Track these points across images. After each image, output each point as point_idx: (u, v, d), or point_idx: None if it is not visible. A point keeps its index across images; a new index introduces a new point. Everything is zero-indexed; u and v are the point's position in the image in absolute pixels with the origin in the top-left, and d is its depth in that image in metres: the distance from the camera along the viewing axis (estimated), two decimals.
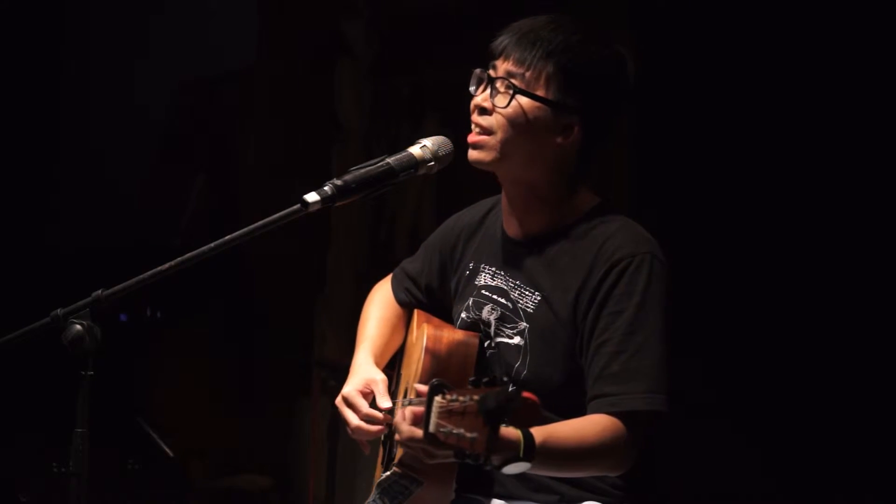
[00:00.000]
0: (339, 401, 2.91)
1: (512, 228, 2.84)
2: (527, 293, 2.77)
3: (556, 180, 2.77)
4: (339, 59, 5.53)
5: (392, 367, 3.09)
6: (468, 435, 2.11)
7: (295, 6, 5.60)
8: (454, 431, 2.14)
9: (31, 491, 4.55)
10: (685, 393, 2.78)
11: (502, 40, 2.75)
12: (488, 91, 2.74)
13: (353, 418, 2.85)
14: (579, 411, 2.62)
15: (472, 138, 2.75)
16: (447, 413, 2.18)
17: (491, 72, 2.76)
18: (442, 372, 2.72)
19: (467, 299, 2.89)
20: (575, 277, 2.70)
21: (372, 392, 2.88)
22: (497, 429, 2.09)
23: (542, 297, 2.74)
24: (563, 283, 2.72)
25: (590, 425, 2.57)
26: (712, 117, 4.27)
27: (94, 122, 5.73)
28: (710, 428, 4.16)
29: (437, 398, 2.23)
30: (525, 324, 2.75)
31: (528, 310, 2.75)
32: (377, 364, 2.98)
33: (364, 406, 2.85)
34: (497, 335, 2.79)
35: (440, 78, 2.81)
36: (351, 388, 2.88)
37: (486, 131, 2.73)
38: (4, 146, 5.49)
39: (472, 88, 2.78)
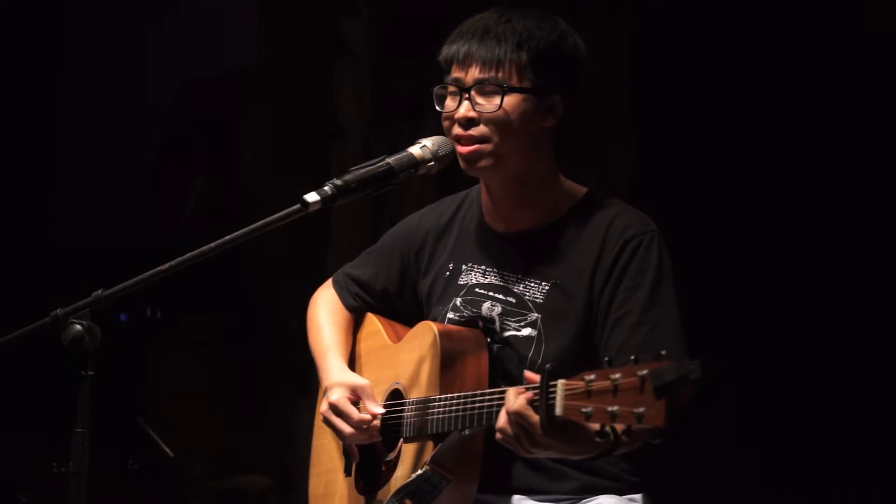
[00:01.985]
0: (325, 409, 2.89)
1: (501, 225, 2.85)
2: (533, 284, 2.78)
3: (545, 169, 2.80)
4: (339, 59, 5.52)
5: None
6: (635, 410, 2.13)
7: (295, 6, 5.59)
8: (608, 409, 2.16)
9: (31, 491, 4.55)
10: None
11: (458, 49, 2.76)
12: (466, 103, 2.74)
13: (345, 426, 2.85)
14: None
15: (465, 149, 2.75)
16: (585, 394, 2.22)
17: (450, 85, 2.76)
18: (457, 368, 2.74)
19: (452, 299, 2.88)
20: (586, 260, 2.74)
21: (359, 398, 2.88)
22: (674, 401, 2.11)
23: (553, 284, 2.76)
24: (574, 268, 2.75)
25: None
26: (712, 115, 4.27)
27: (94, 122, 5.73)
28: (712, 427, 4.16)
29: (563, 381, 2.29)
30: (536, 314, 2.76)
31: (538, 300, 2.76)
32: None
33: (355, 413, 2.84)
34: (504, 330, 2.79)
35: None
36: (338, 395, 2.87)
37: (479, 140, 2.74)
38: (4, 146, 5.49)
39: (438, 107, 2.78)
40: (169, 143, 5.96)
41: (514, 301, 2.80)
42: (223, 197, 5.80)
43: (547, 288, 2.76)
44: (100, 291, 2.53)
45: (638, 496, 2.78)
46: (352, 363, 3.08)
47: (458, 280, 2.90)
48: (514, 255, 2.83)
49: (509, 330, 2.79)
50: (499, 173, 2.79)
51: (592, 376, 2.23)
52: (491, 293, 2.83)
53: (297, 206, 2.55)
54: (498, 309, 2.81)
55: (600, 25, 2.84)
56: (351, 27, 5.51)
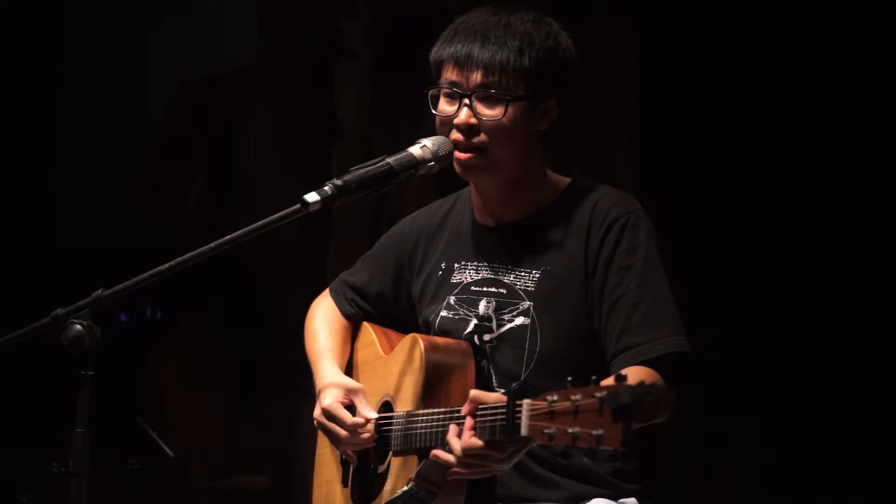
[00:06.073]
0: (318, 414, 2.87)
1: (490, 220, 2.86)
2: (523, 273, 2.78)
3: (536, 168, 2.81)
4: (339, 59, 5.52)
5: None
6: (594, 433, 2.14)
7: (295, 6, 5.59)
8: (569, 430, 2.17)
9: (31, 491, 4.55)
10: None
11: (456, 50, 2.73)
12: (466, 109, 2.72)
13: (339, 430, 2.83)
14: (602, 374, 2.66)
15: (463, 156, 2.74)
16: (547, 415, 2.23)
17: (447, 88, 2.74)
18: (442, 381, 2.73)
19: (445, 298, 2.88)
20: (576, 244, 2.75)
21: (352, 402, 2.87)
22: (631, 424, 2.12)
23: (544, 270, 2.75)
24: (564, 253, 2.75)
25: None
26: (714, 114, 4.27)
27: (95, 122, 5.73)
28: (715, 428, 4.16)
29: (528, 401, 2.28)
30: (528, 302, 2.76)
31: (529, 288, 2.76)
32: None
33: (349, 416, 2.83)
34: (500, 326, 2.78)
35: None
36: (331, 399, 2.86)
37: (478, 148, 2.73)
38: (4, 146, 5.49)
39: (433, 110, 2.77)
40: (169, 143, 5.96)
41: (505, 293, 2.79)
42: (223, 197, 5.80)
43: (538, 275, 2.77)
44: (100, 291, 2.53)
45: (631, 500, 2.77)
46: (348, 372, 3.07)
47: (451, 279, 2.89)
48: (503, 247, 2.83)
49: (504, 324, 2.78)
50: (493, 177, 2.79)
51: (555, 397, 2.23)
52: (485, 288, 2.82)
53: (297, 206, 2.55)
54: (493, 305, 2.81)
55: (603, 25, 2.84)
56: (351, 27, 5.50)
